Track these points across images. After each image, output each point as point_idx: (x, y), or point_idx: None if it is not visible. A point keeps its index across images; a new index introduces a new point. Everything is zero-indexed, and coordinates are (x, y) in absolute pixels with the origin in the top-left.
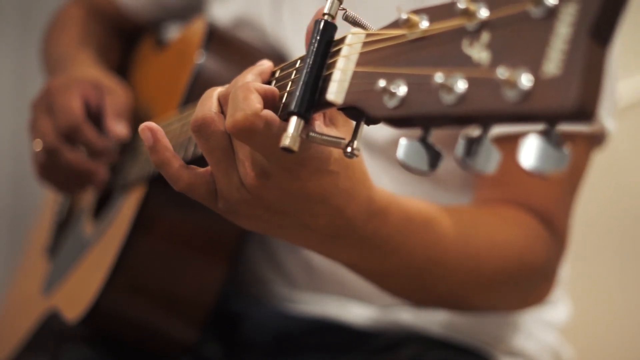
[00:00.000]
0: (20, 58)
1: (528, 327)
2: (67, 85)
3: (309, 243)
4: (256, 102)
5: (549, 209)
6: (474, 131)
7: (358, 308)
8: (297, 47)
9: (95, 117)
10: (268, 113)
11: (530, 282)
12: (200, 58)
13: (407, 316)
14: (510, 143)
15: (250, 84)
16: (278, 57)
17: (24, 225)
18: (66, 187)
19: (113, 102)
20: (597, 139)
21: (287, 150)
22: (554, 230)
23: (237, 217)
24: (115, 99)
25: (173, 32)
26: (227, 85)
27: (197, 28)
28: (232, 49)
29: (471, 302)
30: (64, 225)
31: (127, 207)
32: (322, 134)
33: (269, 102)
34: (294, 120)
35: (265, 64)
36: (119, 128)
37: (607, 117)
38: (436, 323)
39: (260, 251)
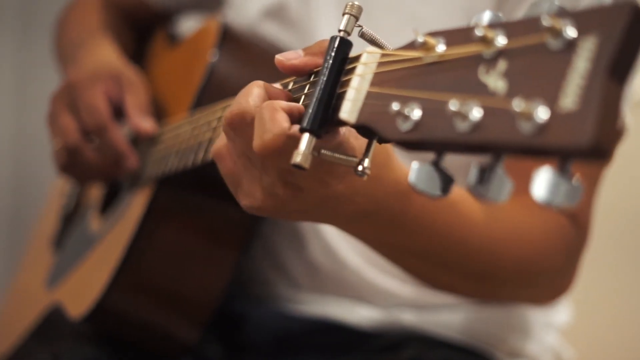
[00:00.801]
0: (20, 58)
1: (529, 328)
2: (90, 81)
3: (335, 224)
4: (284, 122)
5: None
6: (487, 159)
7: (360, 309)
8: None
9: (114, 111)
10: (296, 130)
11: (551, 274)
12: (213, 58)
13: (409, 317)
14: None
15: (276, 103)
16: None
17: (24, 225)
18: (87, 180)
19: (135, 98)
20: (617, 135)
21: (298, 167)
22: (577, 222)
23: (259, 213)
24: (136, 95)
25: (185, 26)
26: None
27: (210, 27)
28: (246, 49)
29: (492, 289)
30: (70, 219)
31: (135, 206)
32: (333, 152)
33: (294, 120)
34: (306, 137)
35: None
36: (146, 125)
37: (626, 110)
38: (437, 323)
39: (263, 251)
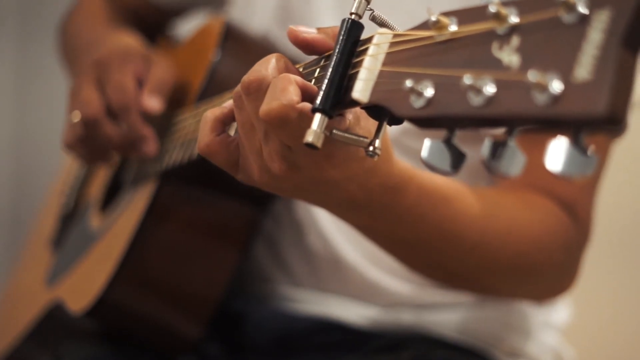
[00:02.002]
0: (21, 58)
1: (529, 328)
2: (122, 59)
3: (326, 208)
4: (293, 95)
5: (571, 196)
6: (500, 134)
7: (360, 308)
8: None
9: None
10: (304, 105)
11: (551, 270)
12: (217, 56)
13: (409, 316)
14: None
15: (292, 76)
16: (305, 57)
17: (24, 225)
18: (95, 158)
19: (156, 75)
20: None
21: (310, 146)
22: (577, 218)
23: (256, 185)
24: (159, 72)
25: (184, 29)
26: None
27: (213, 26)
28: (250, 48)
29: (489, 284)
30: (69, 217)
31: (138, 201)
32: (345, 132)
33: (307, 98)
34: (318, 117)
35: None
36: (152, 102)
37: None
38: (437, 323)
39: (264, 248)
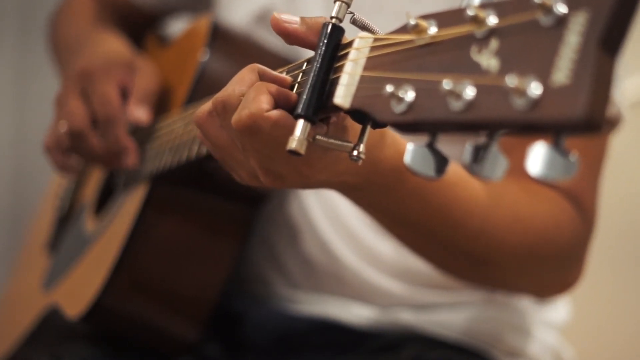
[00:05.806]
0: (20, 58)
1: (528, 328)
2: (105, 70)
3: (325, 188)
4: (264, 103)
5: (576, 187)
6: (482, 138)
7: (358, 308)
8: None
9: (124, 97)
10: (274, 113)
11: (557, 261)
12: (205, 56)
13: (408, 316)
14: None
15: (265, 85)
16: (294, 55)
17: (24, 225)
18: (64, 169)
19: (141, 84)
20: (613, 123)
21: (293, 153)
22: (582, 209)
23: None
24: (144, 81)
25: (175, 27)
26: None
27: (201, 26)
28: (238, 47)
29: (493, 274)
30: (64, 220)
31: (130, 204)
32: (328, 138)
33: (282, 103)
34: (300, 123)
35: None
36: (139, 112)
37: (621, 101)
38: (436, 323)
39: (261, 250)
